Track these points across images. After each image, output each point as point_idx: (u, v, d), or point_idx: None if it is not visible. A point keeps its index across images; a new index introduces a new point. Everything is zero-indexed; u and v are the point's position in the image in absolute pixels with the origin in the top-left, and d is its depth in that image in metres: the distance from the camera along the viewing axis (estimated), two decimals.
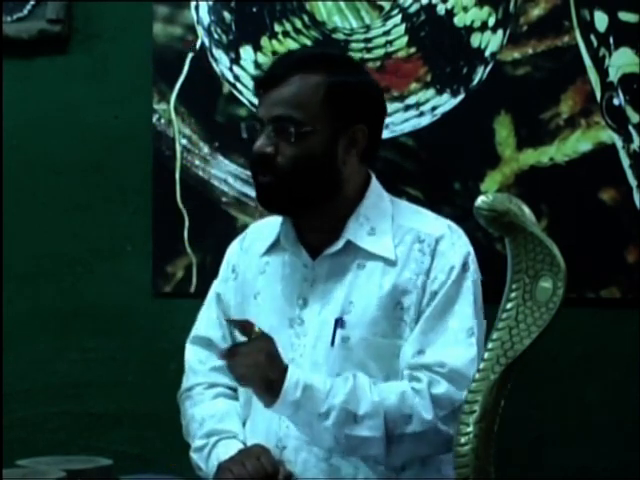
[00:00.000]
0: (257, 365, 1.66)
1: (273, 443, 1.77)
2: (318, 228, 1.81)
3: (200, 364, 1.92)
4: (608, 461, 2.10)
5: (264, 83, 1.80)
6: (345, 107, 1.76)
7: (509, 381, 1.27)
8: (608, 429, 2.10)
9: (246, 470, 1.70)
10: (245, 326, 1.70)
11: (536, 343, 1.25)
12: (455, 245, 1.78)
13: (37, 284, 2.39)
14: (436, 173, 2.19)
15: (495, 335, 1.27)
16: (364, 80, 1.85)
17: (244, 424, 1.85)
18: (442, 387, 1.69)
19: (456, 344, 1.72)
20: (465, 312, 1.74)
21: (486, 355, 1.27)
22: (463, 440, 1.24)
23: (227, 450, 1.78)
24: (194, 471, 1.96)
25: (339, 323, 1.76)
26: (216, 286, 1.96)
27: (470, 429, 1.24)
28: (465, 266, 1.77)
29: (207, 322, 1.94)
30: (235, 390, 1.89)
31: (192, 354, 1.95)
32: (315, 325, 1.78)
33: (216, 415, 1.85)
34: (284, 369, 1.68)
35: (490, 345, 1.27)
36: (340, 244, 1.78)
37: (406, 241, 1.78)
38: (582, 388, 2.11)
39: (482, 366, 1.26)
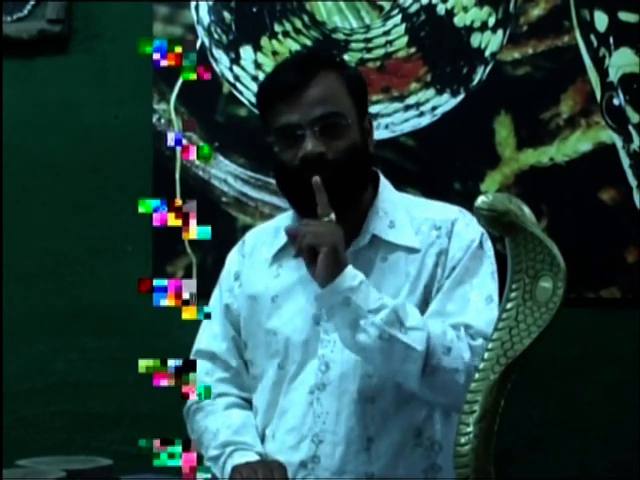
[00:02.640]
0: (331, 234, 1.67)
1: (309, 438, 1.77)
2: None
3: (207, 376, 1.91)
4: (608, 461, 2.10)
5: (284, 90, 1.78)
6: (358, 98, 1.83)
7: (509, 381, 1.27)
8: (608, 429, 2.10)
9: (256, 476, 1.70)
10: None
11: (536, 343, 1.24)
12: (469, 225, 1.81)
13: (37, 284, 2.39)
14: (436, 173, 2.19)
15: (495, 335, 1.27)
16: (360, 74, 1.93)
17: (263, 433, 1.84)
18: (477, 340, 1.70)
19: (476, 311, 1.74)
20: (483, 283, 1.77)
21: (486, 355, 1.26)
22: (463, 440, 1.24)
23: (242, 459, 1.77)
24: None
25: None
26: (221, 297, 1.94)
27: (470, 429, 1.24)
28: (481, 244, 1.80)
29: (209, 336, 1.93)
30: (245, 400, 1.90)
31: (197, 367, 1.94)
32: None
33: (231, 426, 1.84)
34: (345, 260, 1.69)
35: (490, 345, 1.27)
36: (366, 239, 1.80)
37: (424, 231, 1.81)
38: (582, 388, 2.12)
39: (482, 366, 1.26)
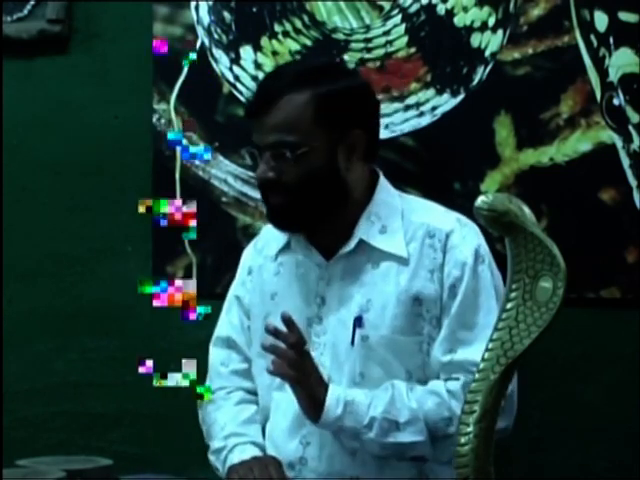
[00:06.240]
0: (304, 385, 1.69)
1: (297, 440, 1.80)
2: (329, 231, 1.83)
3: (222, 366, 1.94)
4: (608, 461, 2.10)
5: (254, 110, 1.82)
6: (338, 116, 1.78)
7: (509, 381, 1.27)
8: (608, 429, 2.10)
9: (252, 474, 1.72)
10: (298, 342, 1.68)
11: (536, 343, 1.25)
12: (465, 239, 1.80)
13: (37, 284, 2.39)
14: (436, 173, 2.19)
15: (495, 335, 1.27)
16: (353, 85, 1.85)
17: (264, 427, 1.87)
18: None
19: (485, 337, 1.72)
20: (489, 305, 1.76)
21: (486, 355, 1.26)
22: (463, 440, 1.24)
23: (242, 455, 1.79)
24: (194, 471, 1.96)
25: (358, 322, 1.78)
26: (235, 290, 1.98)
27: (470, 429, 1.24)
28: (478, 259, 1.79)
29: (229, 325, 1.96)
30: (256, 394, 1.91)
31: (214, 356, 1.97)
32: (334, 324, 1.80)
33: (238, 419, 1.87)
34: (326, 387, 1.70)
35: (490, 345, 1.27)
36: (352, 244, 1.80)
37: (418, 237, 1.80)
38: (582, 388, 2.11)
39: (482, 366, 1.26)
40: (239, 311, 1.94)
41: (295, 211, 1.79)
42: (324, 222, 1.82)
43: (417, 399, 1.73)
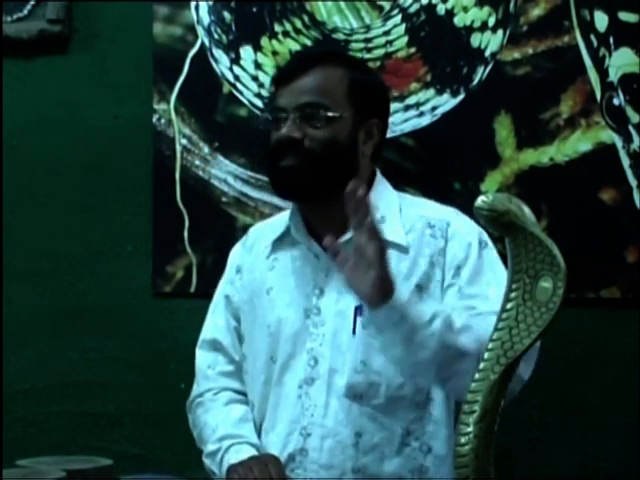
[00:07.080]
0: (383, 258, 1.59)
1: (297, 431, 1.79)
2: (328, 220, 1.82)
3: (209, 369, 1.93)
4: (608, 461, 2.10)
5: (286, 75, 1.85)
6: (364, 101, 1.84)
7: (509, 381, 1.27)
8: (608, 429, 2.10)
9: (253, 474, 1.71)
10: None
11: (536, 343, 1.25)
12: (467, 225, 1.82)
13: (37, 284, 2.39)
14: (436, 173, 2.19)
15: (495, 335, 1.27)
16: (378, 79, 1.96)
17: (260, 426, 1.86)
18: None
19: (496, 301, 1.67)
20: (499, 278, 1.71)
21: (486, 355, 1.26)
22: (463, 440, 1.24)
23: (238, 455, 1.79)
24: (194, 471, 1.96)
25: (359, 311, 1.77)
26: (223, 289, 1.97)
27: (470, 429, 1.24)
28: (482, 243, 1.80)
29: (214, 327, 1.95)
30: (245, 394, 1.91)
31: (201, 359, 1.96)
32: (333, 314, 1.79)
33: (230, 420, 1.86)
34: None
35: (490, 345, 1.27)
36: (352, 232, 1.80)
37: (417, 228, 1.82)
38: (582, 388, 2.11)
39: (482, 366, 1.26)
40: (225, 311, 1.94)
41: (306, 176, 1.78)
42: (326, 201, 1.81)
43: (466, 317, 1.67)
